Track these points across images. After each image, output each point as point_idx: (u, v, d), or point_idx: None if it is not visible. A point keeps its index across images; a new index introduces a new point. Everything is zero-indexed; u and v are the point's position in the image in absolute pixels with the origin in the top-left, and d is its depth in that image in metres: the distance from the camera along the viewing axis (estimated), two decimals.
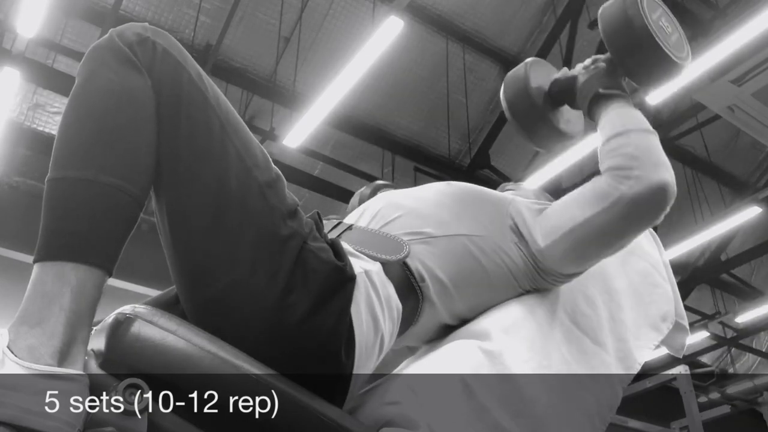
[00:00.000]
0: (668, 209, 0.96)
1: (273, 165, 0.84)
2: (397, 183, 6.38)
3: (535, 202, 1.08)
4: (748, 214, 6.14)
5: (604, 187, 0.97)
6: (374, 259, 0.92)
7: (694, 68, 4.49)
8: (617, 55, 1.09)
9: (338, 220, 1.03)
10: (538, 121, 1.15)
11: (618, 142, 0.99)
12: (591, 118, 1.10)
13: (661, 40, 1.05)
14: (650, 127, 1.01)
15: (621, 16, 1.06)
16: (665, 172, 0.95)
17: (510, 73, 1.19)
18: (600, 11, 1.11)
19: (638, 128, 1.00)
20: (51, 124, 5.59)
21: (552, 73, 1.19)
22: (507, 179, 6.21)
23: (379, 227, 1.00)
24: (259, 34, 5.63)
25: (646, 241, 1.25)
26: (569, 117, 1.19)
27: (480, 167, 6.54)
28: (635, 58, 1.07)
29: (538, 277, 1.03)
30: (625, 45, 1.06)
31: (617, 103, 1.06)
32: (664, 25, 1.08)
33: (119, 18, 4.93)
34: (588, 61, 1.14)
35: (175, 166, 0.76)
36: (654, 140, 0.99)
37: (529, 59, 1.19)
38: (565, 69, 1.18)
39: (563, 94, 1.14)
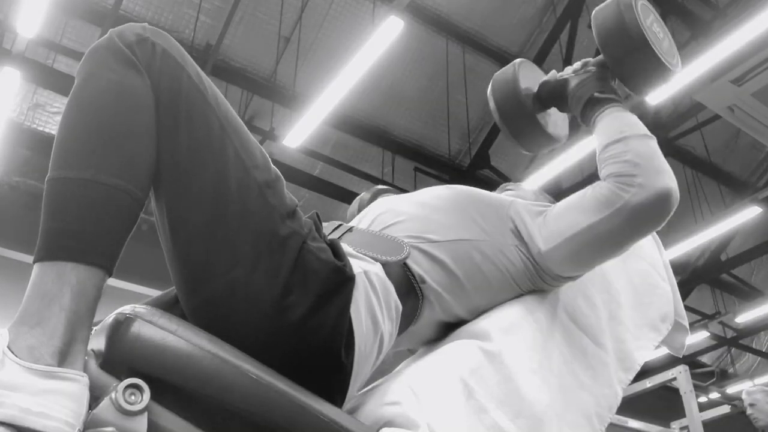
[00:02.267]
0: (671, 215, 0.96)
1: (272, 165, 0.84)
2: (397, 183, 6.37)
3: (535, 203, 1.08)
4: (748, 214, 6.15)
5: (606, 194, 0.96)
6: (374, 260, 0.93)
7: (694, 68, 4.49)
8: (612, 60, 1.08)
9: (339, 223, 1.04)
10: (525, 123, 1.14)
11: (617, 148, 0.98)
12: (585, 123, 1.09)
13: (656, 47, 1.05)
14: (648, 132, 1.01)
15: (617, 20, 1.05)
16: (668, 178, 0.95)
17: (498, 74, 1.18)
18: (594, 14, 1.10)
19: (636, 134, 1.00)
20: (51, 124, 5.60)
21: (540, 75, 1.19)
22: (507, 179, 6.21)
23: (379, 230, 1.00)
24: (259, 34, 5.63)
25: (646, 241, 1.24)
26: (556, 120, 1.19)
27: (480, 167, 6.54)
28: (630, 64, 1.06)
29: (537, 279, 1.03)
30: (621, 50, 1.06)
31: (612, 107, 1.06)
32: (656, 31, 1.08)
33: (119, 18, 4.94)
34: (578, 65, 1.14)
35: (175, 165, 0.76)
36: (653, 145, 0.99)
37: (517, 60, 1.18)
38: (554, 72, 1.17)
39: (552, 97, 1.13)
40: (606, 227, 0.95)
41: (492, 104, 1.16)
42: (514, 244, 1.02)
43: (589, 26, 1.07)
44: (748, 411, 3.68)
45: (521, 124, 1.14)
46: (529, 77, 1.16)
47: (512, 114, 1.14)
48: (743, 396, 3.73)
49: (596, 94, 1.07)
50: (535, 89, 1.16)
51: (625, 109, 1.06)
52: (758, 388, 3.78)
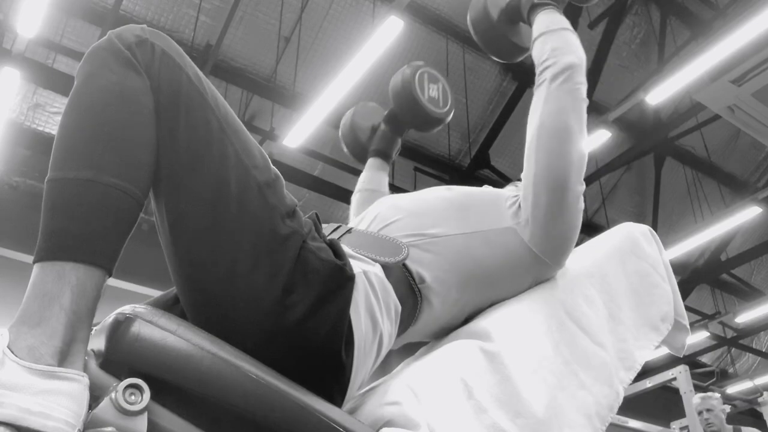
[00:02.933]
0: (584, 79, 1.11)
1: (272, 165, 0.84)
2: (397, 183, 6.37)
3: None
4: (748, 214, 6.15)
5: (536, 91, 1.11)
6: (373, 260, 0.93)
7: (694, 68, 4.50)
8: None
9: (338, 225, 1.04)
10: (492, 33, 1.34)
11: (542, 40, 1.17)
12: (530, 25, 1.25)
13: None
14: (568, 26, 1.19)
15: None
16: (573, 54, 1.12)
17: None
18: None
19: (557, 27, 1.18)
20: (51, 124, 5.60)
21: None
22: (507, 179, 6.22)
23: (378, 229, 1.00)
24: (259, 34, 5.63)
25: (645, 241, 1.25)
26: (524, 32, 1.37)
27: (480, 167, 6.55)
28: None
29: (543, 257, 1.03)
30: None
31: (548, 9, 1.23)
32: None
33: (119, 18, 4.94)
34: None
35: (175, 166, 0.76)
36: (568, 35, 1.16)
37: None
38: None
39: (514, 11, 1.32)
40: (547, 117, 1.07)
41: (469, 22, 1.37)
42: (513, 230, 1.03)
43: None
44: (705, 416, 3.71)
45: (489, 34, 1.35)
46: None
47: (482, 26, 1.35)
48: (695, 401, 3.75)
49: (536, 1, 1.25)
50: (504, 5, 1.34)
51: (559, 11, 1.24)
52: (713, 395, 3.81)
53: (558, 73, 1.09)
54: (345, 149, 1.61)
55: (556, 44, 1.13)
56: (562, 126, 1.05)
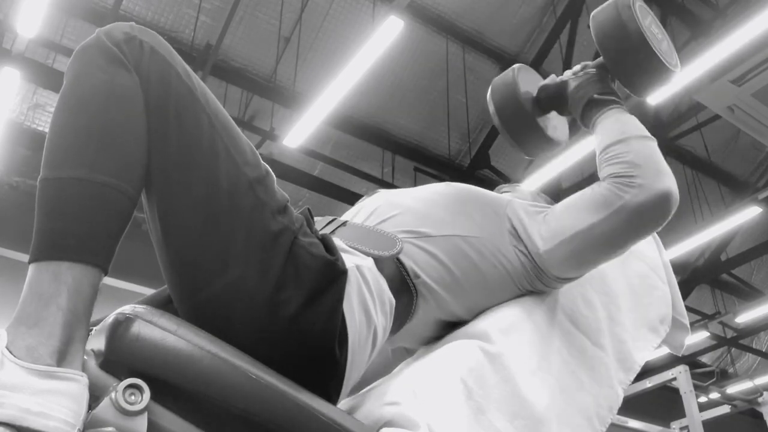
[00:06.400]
0: (671, 217, 0.97)
1: (262, 161, 0.84)
2: (397, 183, 6.37)
3: (533, 204, 1.08)
4: (748, 214, 6.15)
5: (605, 194, 0.97)
6: (366, 254, 0.92)
7: (694, 68, 4.50)
8: (611, 61, 1.09)
9: (333, 218, 1.04)
10: (525, 127, 1.14)
11: (618, 149, 0.99)
12: (585, 125, 1.10)
13: (654, 46, 1.06)
14: (648, 134, 1.02)
15: (615, 20, 1.06)
16: (668, 179, 0.96)
17: (497, 78, 1.18)
18: (592, 15, 1.11)
19: (637, 135, 1.00)
20: None
21: (539, 79, 1.19)
22: (507, 179, 6.22)
23: (374, 224, 1.00)
24: (259, 34, 5.63)
25: (645, 242, 1.24)
26: (556, 124, 1.19)
27: (480, 167, 6.54)
28: (629, 64, 1.07)
29: (536, 280, 1.03)
30: (619, 50, 1.06)
31: (613, 109, 1.06)
32: (655, 32, 1.09)
33: (119, 18, 4.94)
34: (578, 68, 1.14)
35: (165, 163, 0.76)
36: (653, 147, 1.00)
37: (516, 65, 1.19)
38: (553, 76, 1.17)
39: (552, 100, 1.13)
40: (605, 227, 0.96)
41: (492, 108, 1.15)
42: (512, 243, 1.02)
43: (589, 26, 1.10)
44: None
45: (521, 127, 1.14)
46: (529, 81, 1.17)
47: (512, 118, 1.14)
48: None
49: (596, 96, 1.07)
50: (535, 93, 1.16)
51: (626, 110, 1.06)
52: None
53: (645, 201, 0.94)
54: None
55: (639, 159, 0.96)
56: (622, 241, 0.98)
